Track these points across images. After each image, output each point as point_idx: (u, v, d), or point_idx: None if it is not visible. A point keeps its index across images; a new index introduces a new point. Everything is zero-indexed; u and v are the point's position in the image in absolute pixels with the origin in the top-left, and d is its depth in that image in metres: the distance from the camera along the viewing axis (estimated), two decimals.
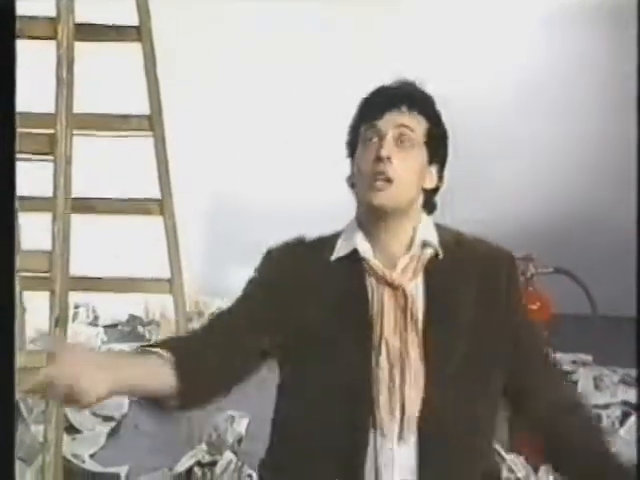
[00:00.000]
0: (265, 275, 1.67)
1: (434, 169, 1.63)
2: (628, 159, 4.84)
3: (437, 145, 1.63)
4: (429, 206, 1.65)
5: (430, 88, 1.64)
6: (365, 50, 4.84)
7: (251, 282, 1.68)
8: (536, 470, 3.00)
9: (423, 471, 1.53)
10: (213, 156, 4.93)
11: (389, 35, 4.87)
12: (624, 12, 4.59)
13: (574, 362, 4.19)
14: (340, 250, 1.63)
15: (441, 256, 1.60)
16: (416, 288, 1.58)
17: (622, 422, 3.59)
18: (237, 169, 4.96)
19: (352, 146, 1.64)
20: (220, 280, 4.95)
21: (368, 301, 1.57)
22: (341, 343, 1.56)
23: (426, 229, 1.62)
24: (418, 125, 1.60)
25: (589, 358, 4.23)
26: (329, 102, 4.78)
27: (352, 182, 1.63)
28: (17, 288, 3.26)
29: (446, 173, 1.66)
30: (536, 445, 1.69)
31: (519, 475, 3.00)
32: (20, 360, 3.34)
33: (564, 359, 4.09)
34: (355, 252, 1.60)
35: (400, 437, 1.54)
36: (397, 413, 1.54)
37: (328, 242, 1.65)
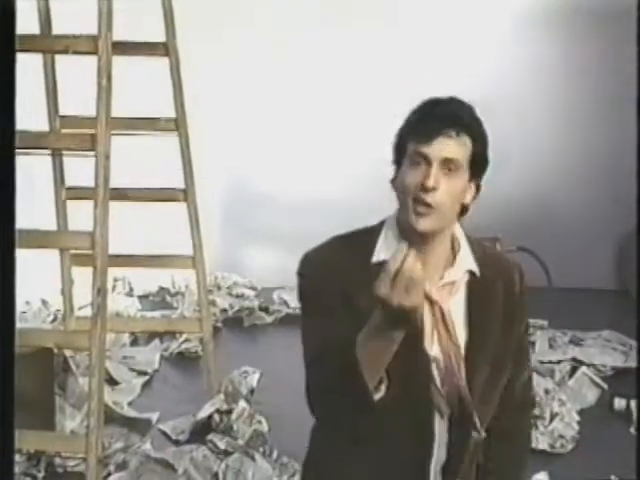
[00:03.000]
0: (309, 282, 1.48)
1: (474, 183, 1.46)
2: (583, 149, 4.84)
3: (480, 163, 1.44)
4: (463, 213, 1.48)
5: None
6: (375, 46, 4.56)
7: (302, 294, 1.50)
8: None
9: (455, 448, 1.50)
10: (229, 151, 4.92)
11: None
12: (606, 14, 4.55)
13: (533, 326, 4.22)
14: (380, 254, 1.45)
15: (478, 274, 1.49)
16: (457, 304, 1.48)
17: (571, 375, 3.66)
18: (250, 162, 4.96)
19: (398, 157, 1.45)
20: (236, 257, 4.98)
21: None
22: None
23: (465, 255, 1.49)
24: (464, 149, 1.41)
25: (545, 323, 4.27)
26: (332, 100, 4.73)
27: (396, 186, 1.45)
28: (67, 264, 3.32)
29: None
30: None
31: None
32: (70, 324, 3.41)
33: None
34: None
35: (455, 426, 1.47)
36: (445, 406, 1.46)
37: (366, 239, 1.48)
